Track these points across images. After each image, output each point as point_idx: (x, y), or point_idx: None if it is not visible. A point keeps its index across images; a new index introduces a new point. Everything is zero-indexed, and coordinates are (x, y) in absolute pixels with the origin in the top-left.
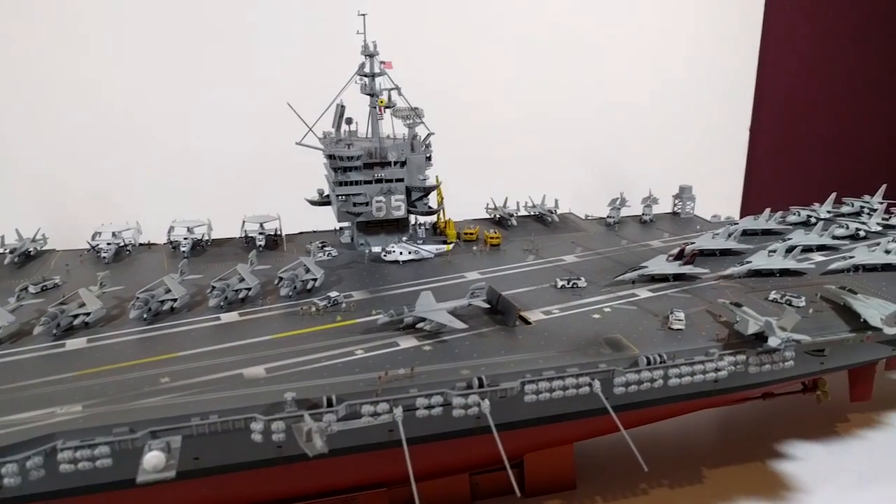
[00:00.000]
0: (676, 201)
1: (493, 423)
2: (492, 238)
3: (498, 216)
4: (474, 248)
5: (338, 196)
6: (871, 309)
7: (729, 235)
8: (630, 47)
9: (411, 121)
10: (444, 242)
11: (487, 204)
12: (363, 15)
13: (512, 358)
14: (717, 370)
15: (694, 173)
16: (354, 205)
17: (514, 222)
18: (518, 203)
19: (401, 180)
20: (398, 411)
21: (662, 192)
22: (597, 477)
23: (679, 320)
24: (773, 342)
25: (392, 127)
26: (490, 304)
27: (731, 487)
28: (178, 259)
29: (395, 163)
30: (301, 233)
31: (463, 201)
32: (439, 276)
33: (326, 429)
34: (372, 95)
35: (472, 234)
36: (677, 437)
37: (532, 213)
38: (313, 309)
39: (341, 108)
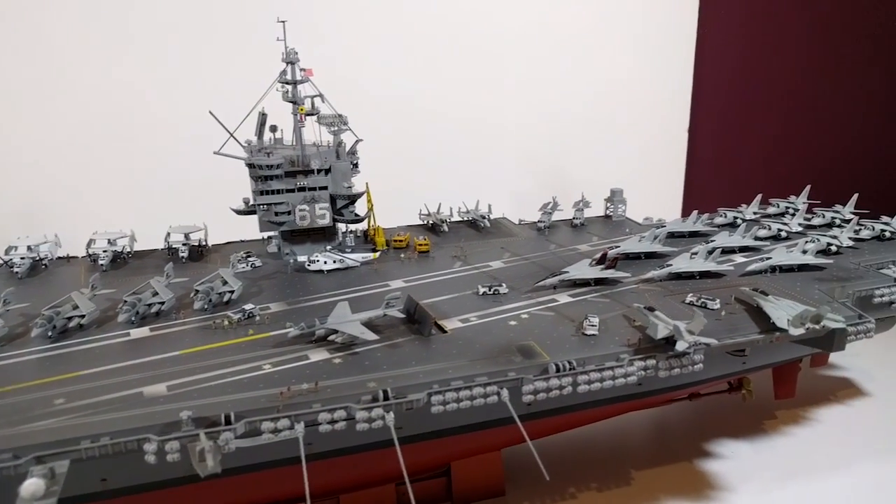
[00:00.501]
0: (608, 205)
1: (395, 436)
2: (421, 245)
3: (431, 222)
4: (402, 255)
5: (259, 205)
6: (780, 310)
7: (654, 238)
8: (568, 51)
9: (336, 128)
10: (373, 250)
11: (420, 210)
12: (283, 22)
13: (422, 368)
14: (626, 375)
15: (636, 175)
16: (276, 214)
17: (446, 228)
18: (451, 209)
19: (325, 188)
20: (300, 427)
21: (604, 195)
22: (526, 482)
23: (592, 326)
24: (680, 346)
25: (319, 134)
26: (408, 314)
27: (657, 488)
28: (97, 273)
29: (319, 171)
30: (229, 242)
31: (398, 208)
32: (364, 286)
33: (224, 447)
34: (294, 103)
35: (401, 241)
36: (608, 439)
37: (466, 219)
38: (226, 322)
39: (263, 116)
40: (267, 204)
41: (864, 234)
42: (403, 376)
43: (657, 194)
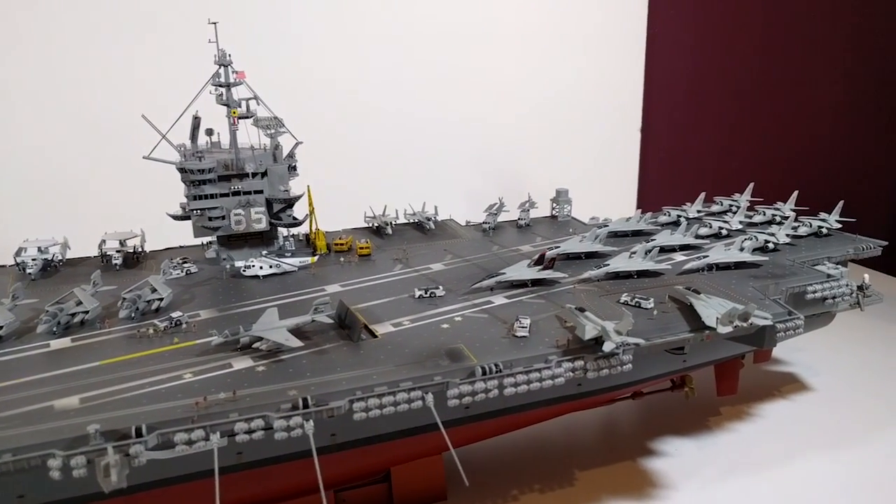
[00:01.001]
0: (554, 205)
1: (314, 446)
2: (362, 248)
3: (376, 225)
4: (342, 259)
5: (193, 211)
6: (710, 309)
7: (595, 238)
8: (520, 50)
9: (273, 131)
10: (313, 254)
11: (366, 212)
12: (214, 23)
13: (347, 375)
14: (554, 377)
15: (592, 174)
16: (210, 219)
17: (391, 231)
18: (397, 211)
19: (260, 192)
20: (215, 437)
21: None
22: (469, 486)
23: (523, 327)
24: (607, 347)
25: (258, 137)
26: (339, 319)
27: (600, 488)
28: (19, 283)
29: (254, 174)
30: (167, 248)
31: (345, 210)
32: (300, 290)
33: (134, 460)
34: (228, 106)
35: (343, 244)
36: (554, 439)
37: (412, 221)
38: (151, 331)
39: (197, 120)
40: (200, 209)
41: (802, 230)
42: (327, 383)
43: (612, 194)
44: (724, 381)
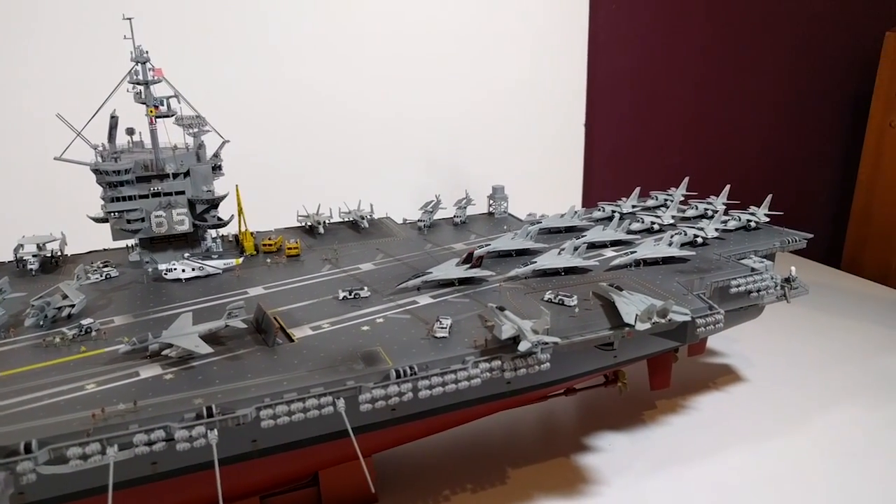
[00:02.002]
0: (491, 202)
1: (216, 457)
2: (290, 248)
3: (308, 224)
4: (269, 260)
5: (110, 213)
6: (631, 305)
7: (527, 235)
8: (461, 46)
9: (196, 129)
10: (241, 255)
11: (298, 211)
12: (129, 19)
13: (257, 381)
14: (470, 378)
15: (539, 170)
16: (129, 221)
17: (322, 230)
18: (331, 209)
19: (182, 193)
20: (112, 451)
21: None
22: (400, 487)
23: (442, 328)
24: (522, 347)
25: (184, 137)
26: (256, 323)
27: (532, 486)
28: None
29: (175, 175)
30: (91, 251)
31: (278, 210)
32: (222, 294)
33: (24, 477)
34: (146, 104)
35: (271, 244)
36: (490, 437)
37: (346, 220)
38: (58, 339)
39: (114, 119)
40: (118, 211)
41: (732, 224)
42: (236, 390)
43: (558, 190)
44: (657, 375)
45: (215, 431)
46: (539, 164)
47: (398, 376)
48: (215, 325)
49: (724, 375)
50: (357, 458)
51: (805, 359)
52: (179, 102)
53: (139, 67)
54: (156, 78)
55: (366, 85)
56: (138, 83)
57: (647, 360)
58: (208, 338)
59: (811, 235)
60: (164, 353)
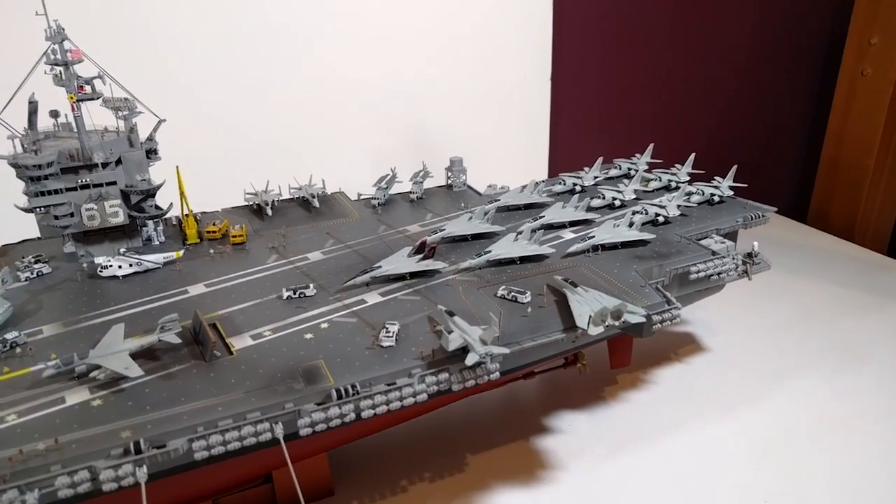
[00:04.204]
0: (449, 174)
1: (144, 497)
2: (235, 236)
3: (256, 204)
4: (212, 251)
5: (35, 209)
6: (584, 305)
7: (484, 215)
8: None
9: (127, 112)
10: (183, 246)
11: (245, 189)
12: None
13: (191, 406)
14: (415, 394)
15: (503, 139)
16: (56, 217)
17: (271, 211)
18: (280, 187)
19: (113, 183)
20: (32, 497)
21: (468, 162)
22: (357, 479)
23: (389, 336)
24: (470, 360)
25: (116, 120)
26: (194, 333)
27: (490, 473)
28: None
29: (105, 164)
30: (24, 241)
31: (225, 188)
32: (162, 293)
33: None
34: (66, 87)
35: (215, 231)
36: (449, 424)
37: (296, 197)
38: None
39: (33, 105)
40: (44, 206)
41: (695, 199)
42: (167, 418)
43: (524, 157)
44: (617, 355)
45: (144, 468)
46: (504, 127)
47: (339, 396)
48: (147, 341)
49: (685, 345)
50: (316, 453)
51: (767, 324)
52: (105, 83)
53: (56, 47)
54: (74, 59)
55: (311, 45)
56: (56, 64)
57: (606, 340)
58: (141, 353)
59: (775, 209)
60: (92, 374)
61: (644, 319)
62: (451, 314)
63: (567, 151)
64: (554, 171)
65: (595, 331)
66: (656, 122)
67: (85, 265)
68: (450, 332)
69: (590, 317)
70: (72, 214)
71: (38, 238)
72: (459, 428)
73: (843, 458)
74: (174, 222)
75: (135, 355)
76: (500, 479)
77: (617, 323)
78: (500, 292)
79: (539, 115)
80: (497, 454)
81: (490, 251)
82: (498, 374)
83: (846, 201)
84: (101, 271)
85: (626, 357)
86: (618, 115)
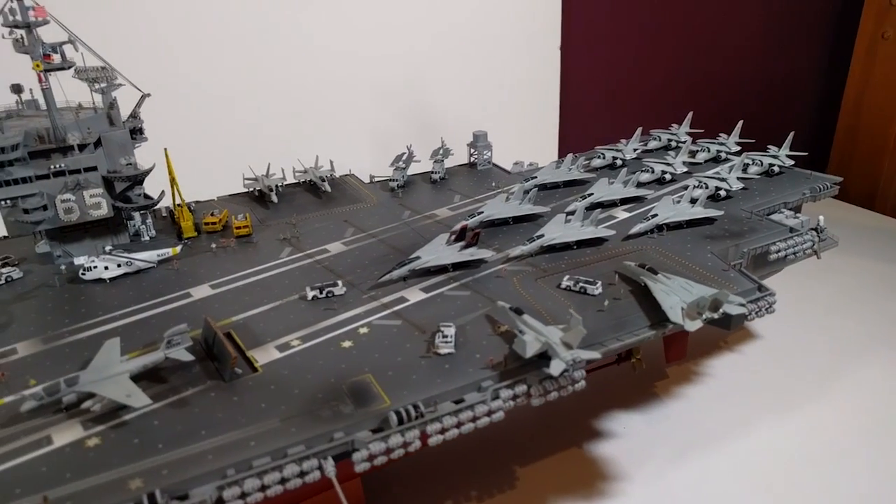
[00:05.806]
0: (472, 150)
1: None
2: (239, 227)
3: (257, 190)
4: (213, 245)
5: (1, 201)
6: (673, 295)
7: (525, 195)
8: None
9: (105, 84)
10: (179, 241)
11: (244, 174)
12: None
13: (214, 442)
14: (490, 413)
15: (509, 112)
16: (27, 211)
17: (276, 197)
18: (283, 170)
19: (93, 169)
20: None
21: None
22: (393, 499)
23: (446, 342)
24: (555, 369)
25: (91, 94)
26: (206, 345)
27: (546, 487)
28: None
29: (82, 146)
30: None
31: (222, 172)
32: (160, 298)
33: None
34: (32, 56)
35: (215, 222)
36: (492, 434)
37: (302, 181)
38: None
39: None
40: (9, 199)
41: (753, 170)
42: (185, 460)
43: (532, 129)
44: (674, 347)
45: None
46: (512, 103)
47: (400, 421)
48: (151, 360)
49: (733, 332)
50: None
51: (812, 305)
52: (78, 50)
53: (14, 4)
54: (38, 19)
55: (315, 16)
56: (16, 26)
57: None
58: (144, 374)
59: (841, 179)
60: (84, 405)
61: (745, 310)
62: (518, 312)
63: (577, 126)
64: (564, 147)
65: (692, 325)
66: (666, 93)
67: (63, 267)
68: (522, 333)
69: (682, 309)
70: (45, 207)
71: (5, 237)
72: (499, 437)
73: None
74: (164, 214)
75: (137, 378)
76: (559, 494)
77: (716, 315)
78: (564, 283)
79: (549, 89)
80: (549, 465)
81: (542, 235)
82: (583, 382)
83: (866, 170)
84: (83, 274)
85: (683, 349)
86: (629, 86)
